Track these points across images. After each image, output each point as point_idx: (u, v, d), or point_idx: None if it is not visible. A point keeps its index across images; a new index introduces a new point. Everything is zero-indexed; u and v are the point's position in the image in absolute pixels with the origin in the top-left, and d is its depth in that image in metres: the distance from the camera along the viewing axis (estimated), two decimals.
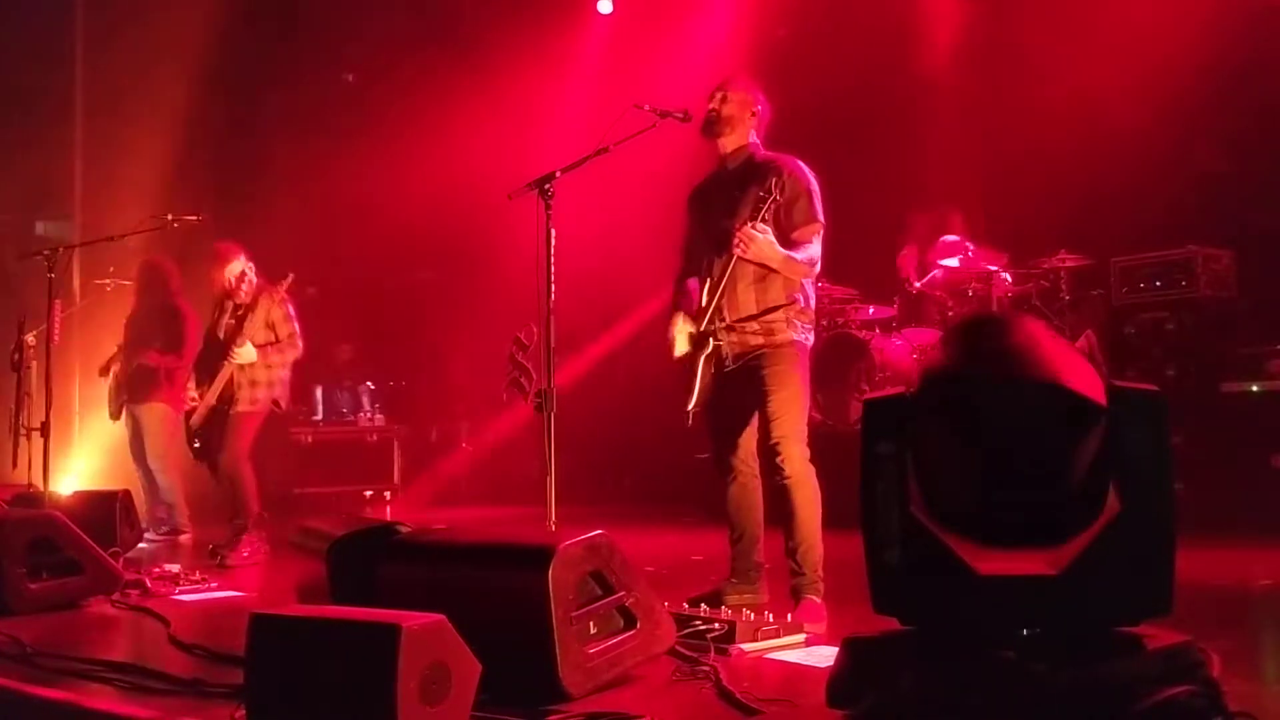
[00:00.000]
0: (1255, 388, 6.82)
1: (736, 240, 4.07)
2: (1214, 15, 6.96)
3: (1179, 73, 6.95)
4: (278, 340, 6.49)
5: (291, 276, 6.49)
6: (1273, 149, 7.05)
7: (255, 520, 6.33)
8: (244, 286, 6.55)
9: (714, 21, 9.26)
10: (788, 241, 4.16)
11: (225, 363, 6.37)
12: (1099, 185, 7.48)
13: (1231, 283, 7.42)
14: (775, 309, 4.19)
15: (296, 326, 6.55)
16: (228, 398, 6.41)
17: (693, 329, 4.29)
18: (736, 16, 9.13)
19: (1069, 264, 7.52)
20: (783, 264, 4.13)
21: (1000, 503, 2.39)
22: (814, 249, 4.20)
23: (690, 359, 4.25)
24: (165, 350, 7.43)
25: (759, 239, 4.04)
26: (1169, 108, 7.09)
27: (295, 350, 6.56)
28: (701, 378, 4.20)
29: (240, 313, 6.49)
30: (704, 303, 4.24)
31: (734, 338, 4.23)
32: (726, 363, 4.23)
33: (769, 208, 4.07)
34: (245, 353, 6.33)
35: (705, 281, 4.27)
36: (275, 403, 6.57)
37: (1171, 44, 6.96)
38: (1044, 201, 7.73)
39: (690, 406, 4.22)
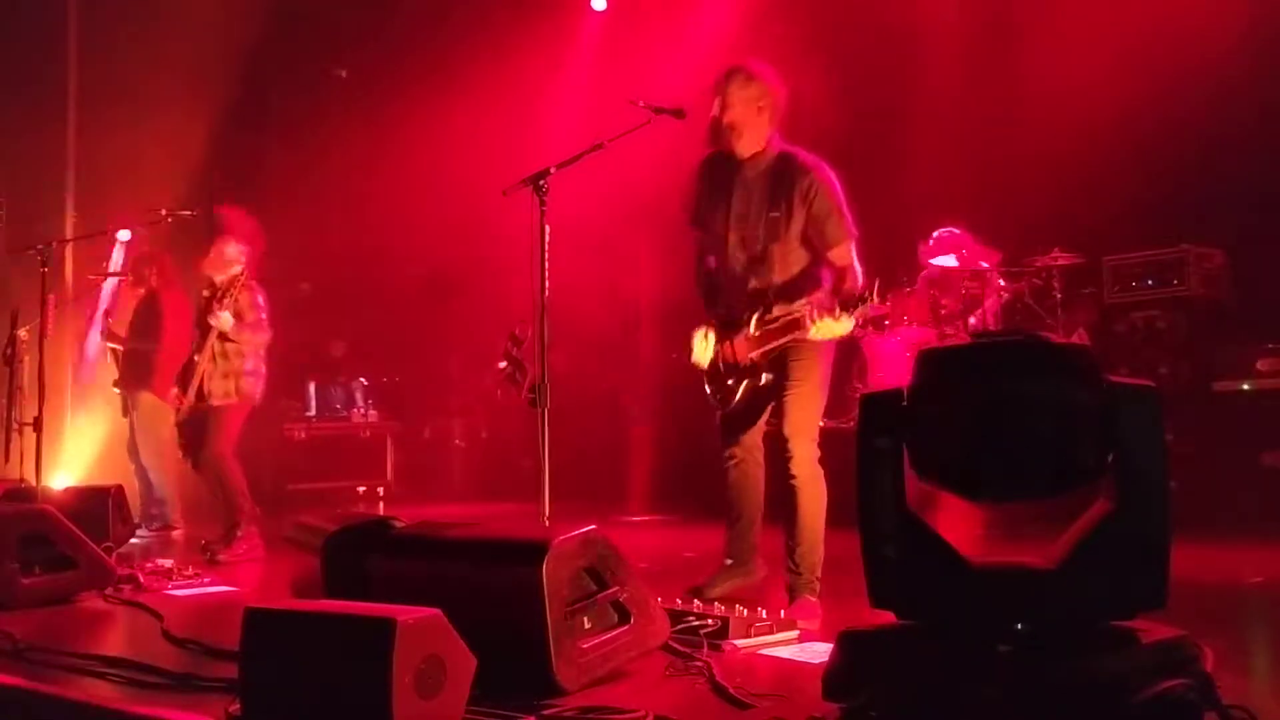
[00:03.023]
0: (1246, 386, 6.84)
1: (810, 321, 3.96)
2: (1210, 15, 6.97)
3: (1174, 72, 6.97)
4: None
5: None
6: (1267, 148, 7.06)
7: (249, 517, 6.27)
8: (226, 267, 6.48)
9: (708, 17, 9.25)
10: (821, 259, 4.15)
11: (197, 356, 6.31)
12: (1092, 184, 7.50)
13: (1223, 282, 7.44)
14: (799, 304, 4.14)
15: (263, 315, 6.44)
16: (204, 393, 6.35)
17: (715, 341, 4.30)
18: (730, 12, 9.13)
19: (1061, 262, 7.53)
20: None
21: (999, 476, 2.42)
22: (856, 265, 4.14)
23: (731, 376, 4.25)
24: (142, 338, 7.43)
25: (834, 328, 3.95)
26: (1163, 107, 7.11)
27: (264, 332, 6.44)
28: (744, 391, 4.21)
29: (216, 294, 6.46)
30: (751, 329, 4.17)
31: (760, 329, 4.19)
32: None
33: (859, 311, 3.92)
34: (224, 318, 6.24)
35: (743, 294, 4.21)
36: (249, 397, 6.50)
37: (1167, 43, 6.98)
38: (1037, 200, 7.74)
39: (728, 409, 4.27)
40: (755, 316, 4.19)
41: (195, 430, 6.36)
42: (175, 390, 6.47)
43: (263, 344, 6.48)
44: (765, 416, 4.33)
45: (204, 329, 6.41)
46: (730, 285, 4.31)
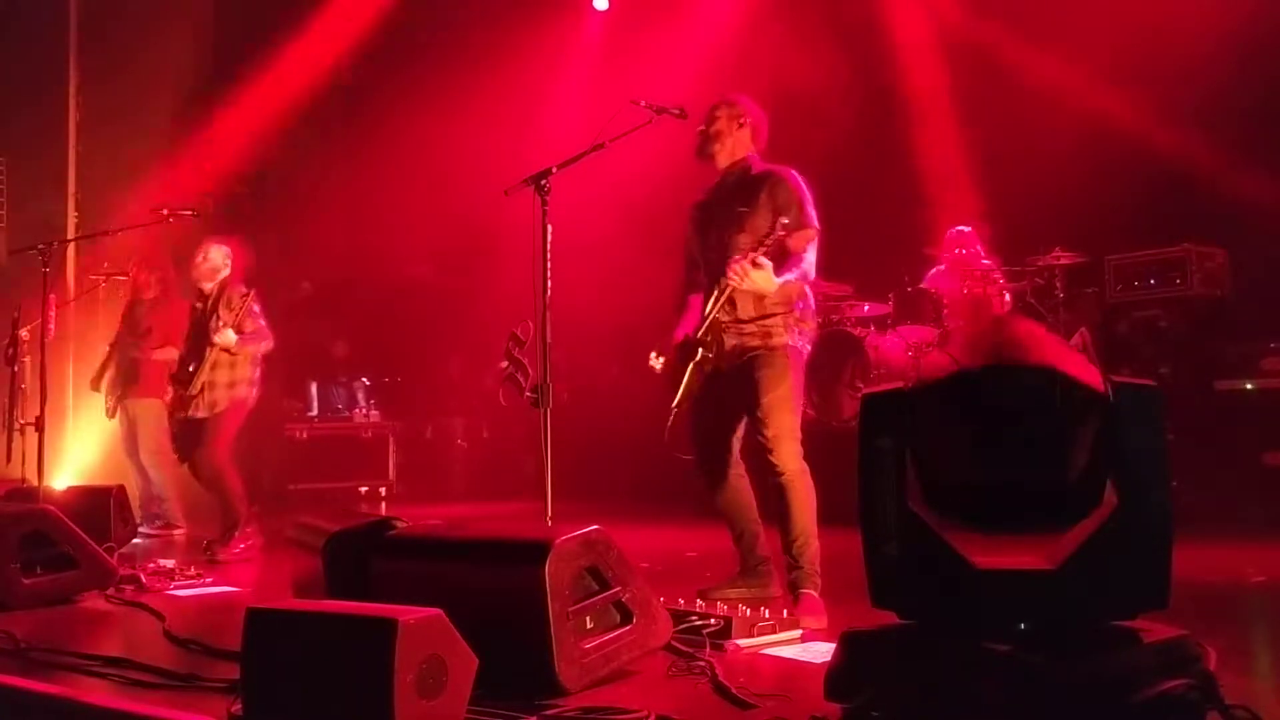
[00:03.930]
0: (1249, 385, 6.84)
1: (732, 272, 4.08)
2: (1210, 13, 6.97)
3: (1175, 71, 6.96)
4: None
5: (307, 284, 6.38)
6: (1268, 146, 7.06)
7: (246, 518, 6.29)
8: (214, 274, 6.49)
9: (709, 17, 9.26)
10: (783, 250, 4.17)
11: (204, 358, 6.30)
12: (1094, 183, 7.49)
13: (1225, 281, 7.44)
14: (774, 315, 4.24)
15: (262, 322, 6.44)
16: (199, 404, 6.33)
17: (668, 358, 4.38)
18: (732, 12, 9.13)
19: (1064, 261, 7.54)
20: (778, 292, 4.16)
21: (1000, 486, 2.40)
22: (809, 258, 4.23)
23: (679, 363, 4.30)
24: (145, 342, 7.45)
25: (753, 274, 4.04)
26: (1164, 106, 7.10)
27: (267, 339, 6.45)
28: (688, 382, 4.27)
29: (208, 304, 6.45)
30: (704, 311, 4.27)
31: (732, 340, 4.26)
32: (722, 362, 4.26)
33: (773, 241, 4.05)
34: (228, 335, 6.20)
35: (708, 294, 4.29)
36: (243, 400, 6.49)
37: (1167, 42, 6.98)
38: (1039, 199, 7.74)
39: (674, 404, 4.29)
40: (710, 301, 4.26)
41: (189, 435, 6.38)
42: (170, 394, 6.48)
43: (265, 350, 6.50)
44: (741, 429, 4.35)
45: (200, 341, 6.40)
46: (707, 293, 4.36)
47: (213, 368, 6.33)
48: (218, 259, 6.54)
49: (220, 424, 6.36)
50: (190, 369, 6.38)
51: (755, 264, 4.03)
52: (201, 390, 6.32)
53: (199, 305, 6.55)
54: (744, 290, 4.17)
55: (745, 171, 4.39)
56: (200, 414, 6.33)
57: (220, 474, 6.31)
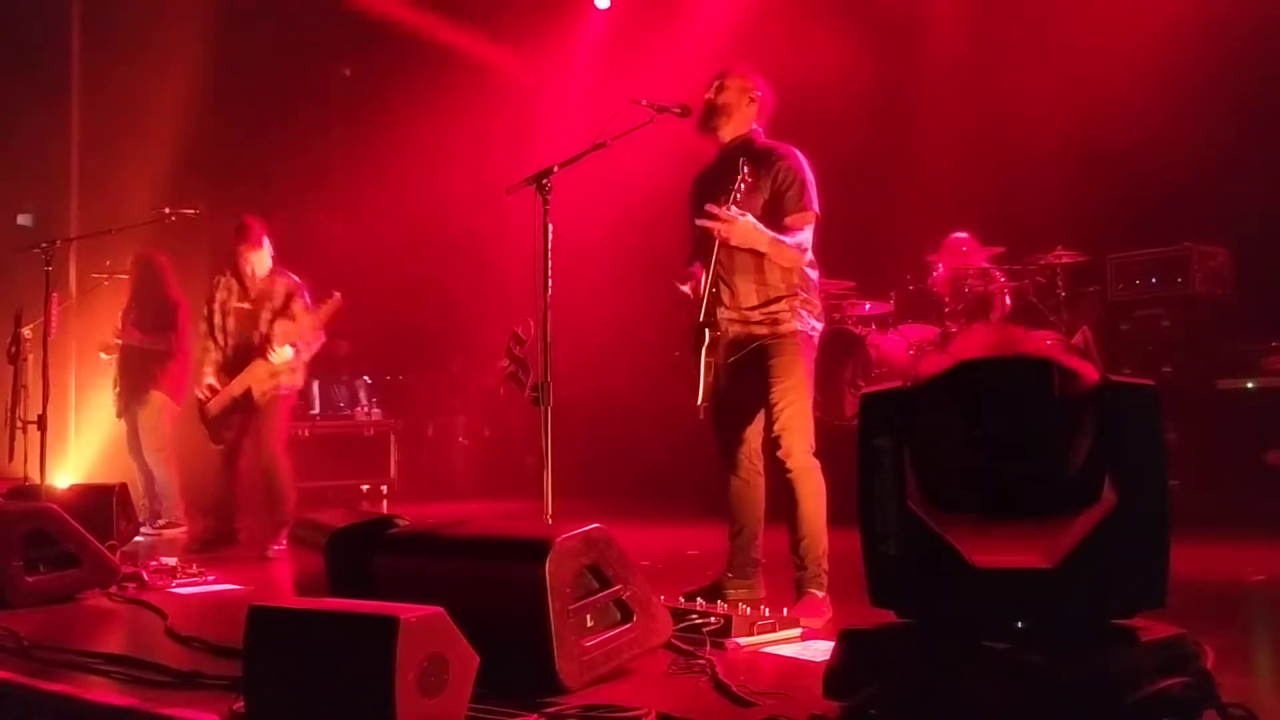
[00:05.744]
0: (1250, 384, 6.85)
1: (715, 227, 4.00)
2: (1211, 12, 6.97)
3: (1176, 69, 6.97)
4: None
5: (337, 295, 6.39)
6: (1270, 145, 7.06)
7: (293, 510, 6.32)
8: (260, 273, 6.54)
9: (711, 16, 9.26)
10: (781, 229, 4.11)
11: (257, 360, 6.36)
12: (1095, 181, 7.50)
13: (1227, 279, 7.45)
14: (778, 299, 4.16)
15: (317, 321, 6.49)
16: (251, 391, 6.40)
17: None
18: (733, 11, 9.14)
19: (1065, 260, 7.54)
20: (770, 245, 4.07)
21: (998, 474, 2.41)
22: (804, 235, 4.15)
23: (693, 353, 4.22)
24: (151, 332, 7.45)
25: (739, 221, 3.97)
26: (1165, 104, 7.10)
27: (319, 340, 6.55)
28: (705, 372, 4.17)
29: (255, 298, 6.48)
30: (702, 292, 4.20)
31: (738, 328, 4.20)
32: (730, 353, 4.21)
33: (739, 189, 4.00)
34: (283, 353, 6.32)
35: (706, 271, 4.20)
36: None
37: (1168, 40, 6.98)
38: (1041, 198, 7.74)
39: (699, 402, 4.19)
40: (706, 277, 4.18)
41: (231, 424, 6.43)
42: (211, 380, 6.49)
43: (316, 346, 6.56)
44: (760, 421, 4.26)
45: (247, 338, 6.44)
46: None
47: (264, 361, 6.39)
48: (265, 259, 6.56)
49: (274, 414, 6.45)
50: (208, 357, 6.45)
51: (730, 211, 3.95)
52: (262, 380, 6.39)
53: (243, 305, 6.55)
54: (743, 275, 4.12)
55: (748, 147, 4.28)
56: (262, 401, 6.40)
57: (277, 467, 6.39)
